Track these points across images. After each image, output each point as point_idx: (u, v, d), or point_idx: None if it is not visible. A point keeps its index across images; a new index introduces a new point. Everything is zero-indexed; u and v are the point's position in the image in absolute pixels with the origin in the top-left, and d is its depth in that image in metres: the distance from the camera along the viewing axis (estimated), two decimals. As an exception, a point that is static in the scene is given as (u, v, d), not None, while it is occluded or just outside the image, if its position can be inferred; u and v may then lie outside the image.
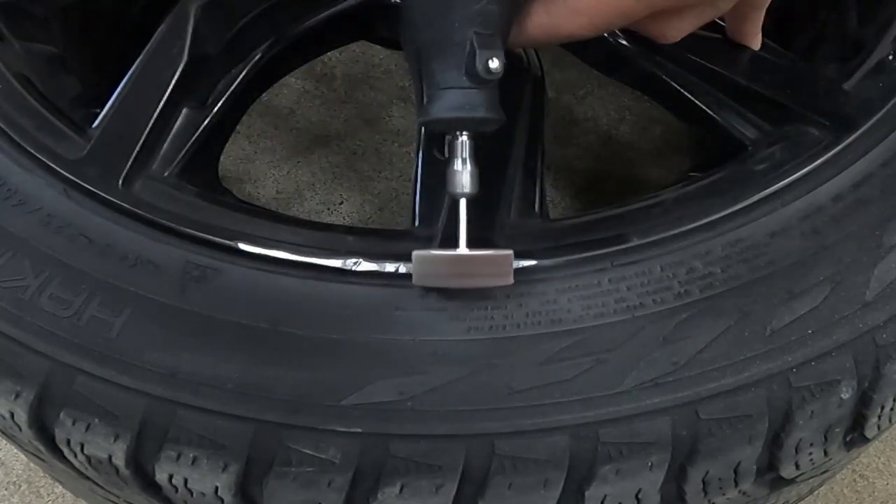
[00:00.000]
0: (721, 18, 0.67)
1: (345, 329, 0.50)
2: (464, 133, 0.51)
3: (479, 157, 0.52)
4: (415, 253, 0.50)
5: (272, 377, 0.48)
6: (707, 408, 0.47)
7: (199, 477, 0.48)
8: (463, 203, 0.51)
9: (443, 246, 0.55)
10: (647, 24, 0.56)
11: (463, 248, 0.50)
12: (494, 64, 0.48)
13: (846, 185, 0.55)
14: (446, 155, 0.51)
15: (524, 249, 0.54)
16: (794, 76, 0.66)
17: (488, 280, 0.50)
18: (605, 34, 0.73)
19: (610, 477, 0.46)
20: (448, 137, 0.51)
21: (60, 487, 0.93)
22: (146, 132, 0.62)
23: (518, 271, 0.52)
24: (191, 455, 0.47)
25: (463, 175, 0.51)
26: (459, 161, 0.51)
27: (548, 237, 0.57)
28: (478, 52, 0.48)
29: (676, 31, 0.56)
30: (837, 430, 0.50)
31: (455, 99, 0.49)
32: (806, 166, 0.56)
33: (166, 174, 0.63)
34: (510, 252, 0.50)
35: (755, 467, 0.49)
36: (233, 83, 0.72)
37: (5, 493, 0.94)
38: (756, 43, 0.67)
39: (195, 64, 0.67)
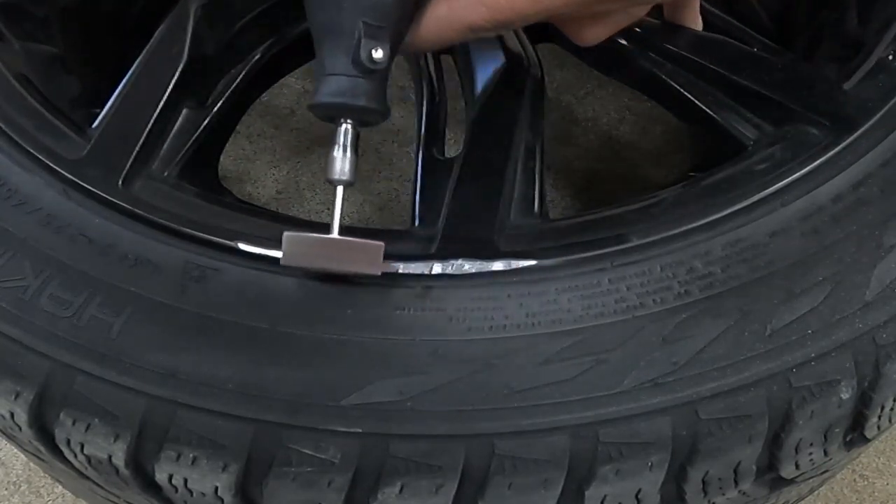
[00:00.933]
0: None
1: (345, 329, 0.50)
2: (347, 121, 0.51)
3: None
4: (285, 233, 0.51)
5: (272, 377, 0.48)
6: (707, 408, 0.47)
7: (199, 477, 0.48)
8: (339, 190, 0.52)
9: (450, 245, 0.55)
10: (563, 26, 0.56)
11: (335, 234, 0.51)
12: (378, 54, 0.49)
13: (846, 185, 0.55)
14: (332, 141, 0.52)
15: (524, 249, 0.54)
16: (794, 76, 0.66)
17: (355, 266, 0.51)
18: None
19: (610, 477, 0.46)
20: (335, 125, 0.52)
21: (60, 487, 0.93)
22: (146, 132, 0.62)
23: (518, 271, 0.53)
24: (191, 455, 0.47)
25: (342, 163, 0.51)
26: (339, 148, 0.51)
27: (548, 237, 0.57)
28: (363, 40, 0.49)
29: (593, 35, 0.56)
30: (837, 430, 0.50)
31: (339, 85, 0.50)
32: (806, 166, 0.56)
33: (166, 174, 0.63)
34: (381, 244, 0.51)
35: (755, 467, 0.49)
36: (233, 83, 0.72)
37: (5, 493, 0.94)
38: (698, 24, 0.70)
39: (195, 64, 0.67)
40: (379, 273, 0.51)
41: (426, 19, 0.52)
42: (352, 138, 0.52)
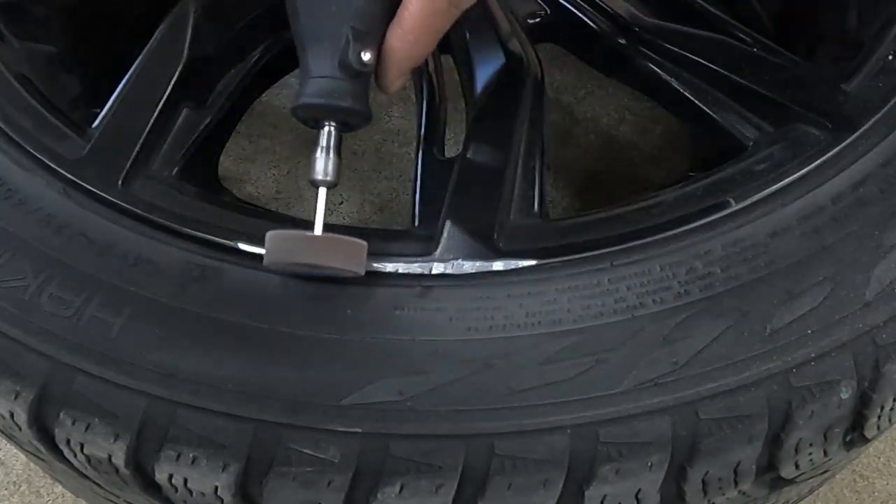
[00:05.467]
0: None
1: (345, 329, 0.50)
2: (331, 123, 0.52)
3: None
4: (268, 232, 0.51)
5: (272, 377, 0.48)
6: (707, 408, 0.47)
7: (199, 477, 0.48)
8: (322, 192, 0.52)
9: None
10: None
11: (318, 232, 0.51)
12: (367, 57, 0.50)
13: (846, 185, 0.55)
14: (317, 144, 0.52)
15: (524, 249, 0.54)
16: (794, 76, 0.66)
17: (339, 264, 0.50)
18: (606, 34, 0.73)
19: (610, 477, 0.46)
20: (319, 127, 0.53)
21: (60, 487, 0.93)
22: (146, 132, 0.62)
23: (518, 271, 0.53)
24: (191, 455, 0.47)
25: (325, 164, 0.52)
26: (322, 150, 0.52)
27: (548, 237, 0.57)
28: (352, 44, 0.50)
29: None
30: (837, 430, 0.50)
31: (324, 87, 0.51)
32: (806, 166, 0.56)
33: (166, 174, 0.63)
34: (364, 243, 0.51)
35: (755, 467, 0.49)
36: (233, 83, 0.72)
37: (5, 493, 0.94)
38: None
39: (195, 64, 0.67)
40: (363, 272, 0.51)
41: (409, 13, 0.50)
42: (335, 140, 0.52)
